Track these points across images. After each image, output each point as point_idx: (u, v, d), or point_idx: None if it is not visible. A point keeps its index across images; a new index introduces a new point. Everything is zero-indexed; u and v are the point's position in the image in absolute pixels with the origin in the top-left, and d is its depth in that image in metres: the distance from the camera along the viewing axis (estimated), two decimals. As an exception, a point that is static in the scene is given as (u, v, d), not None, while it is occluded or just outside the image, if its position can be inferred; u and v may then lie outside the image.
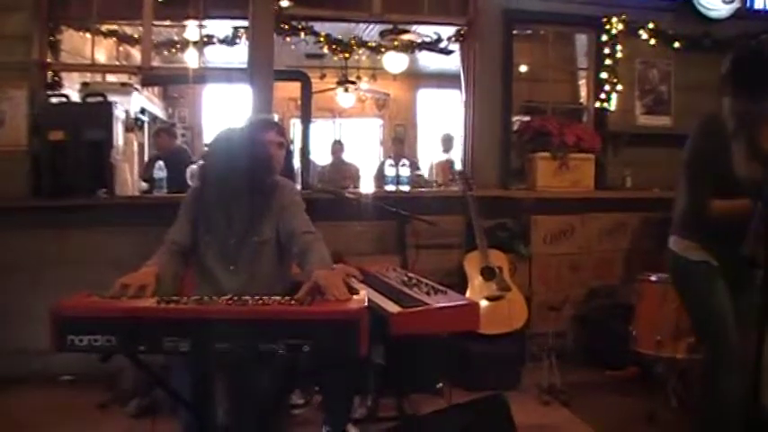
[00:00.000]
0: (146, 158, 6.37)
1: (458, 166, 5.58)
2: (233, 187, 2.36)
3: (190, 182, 3.76)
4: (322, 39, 4.84)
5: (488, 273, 4.06)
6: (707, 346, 2.54)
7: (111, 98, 4.43)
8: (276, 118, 5.07)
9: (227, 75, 5.52)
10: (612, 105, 4.95)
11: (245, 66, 4.56)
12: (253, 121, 3.25)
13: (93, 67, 5.00)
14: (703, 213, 2.44)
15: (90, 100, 4.36)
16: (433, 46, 5.25)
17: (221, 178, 2.37)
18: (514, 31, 4.85)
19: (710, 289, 2.49)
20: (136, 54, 5.66)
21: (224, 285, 2.31)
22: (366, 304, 1.86)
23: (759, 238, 2.50)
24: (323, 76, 7.96)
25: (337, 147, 7.63)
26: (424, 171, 7.86)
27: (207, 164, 2.48)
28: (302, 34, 4.66)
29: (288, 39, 4.67)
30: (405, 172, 4.64)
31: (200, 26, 4.80)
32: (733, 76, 2.52)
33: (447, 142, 7.58)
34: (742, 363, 2.35)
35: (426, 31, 5.41)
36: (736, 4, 5.06)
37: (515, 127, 4.87)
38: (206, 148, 2.61)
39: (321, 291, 1.97)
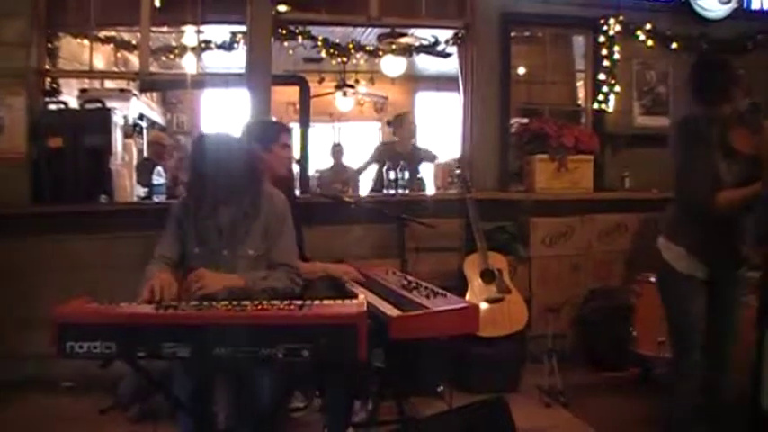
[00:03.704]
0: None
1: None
2: (220, 193, 2.32)
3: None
4: (320, 43, 4.85)
5: (488, 275, 4.06)
6: (675, 351, 2.72)
7: (110, 104, 4.44)
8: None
9: (225, 80, 5.53)
10: (610, 107, 4.95)
11: (243, 71, 4.56)
12: (263, 126, 3.15)
13: (92, 73, 5.00)
14: (711, 207, 2.45)
15: (88, 106, 4.37)
16: (430, 49, 5.25)
17: (207, 184, 2.32)
18: (512, 34, 4.85)
19: (691, 305, 2.60)
20: (134, 60, 5.69)
21: (217, 296, 2.23)
22: (364, 308, 1.86)
23: (760, 239, 2.52)
24: (321, 81, 7.96)
25: (337, 150, 7.61)
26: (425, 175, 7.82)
27: (190, 171, 2.42)
28: (300, 39, 4.66)
29: (285, 43, 4.68)
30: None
31: (198, 31, 4.80)
32: (692, 83, 2.65)
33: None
34: (702, 367, 2.58)
35: (424, 35, 5.43)
36: (733, 5, 5.06)
37: (513, 129, 4.88)
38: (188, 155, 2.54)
39: None
